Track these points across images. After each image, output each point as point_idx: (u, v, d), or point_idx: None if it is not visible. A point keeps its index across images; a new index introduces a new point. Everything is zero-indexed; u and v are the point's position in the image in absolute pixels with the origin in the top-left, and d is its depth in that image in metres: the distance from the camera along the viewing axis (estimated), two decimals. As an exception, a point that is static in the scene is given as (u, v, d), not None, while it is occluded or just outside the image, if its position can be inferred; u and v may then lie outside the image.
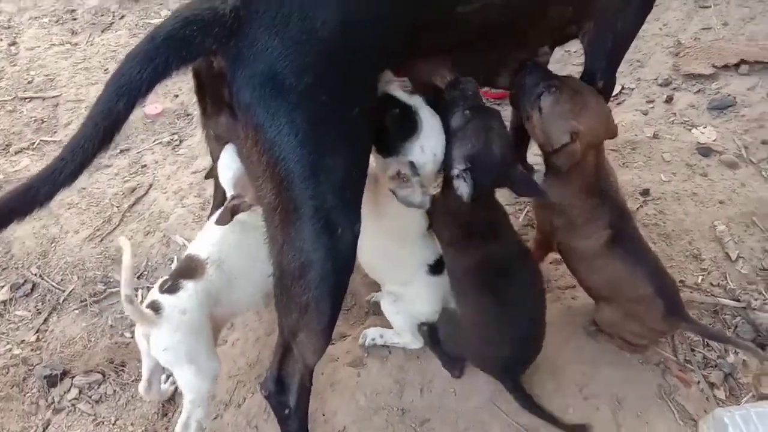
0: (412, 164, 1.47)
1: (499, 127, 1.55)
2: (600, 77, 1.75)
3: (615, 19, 1.69)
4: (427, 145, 1.51)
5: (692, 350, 1.88)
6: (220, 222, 1.61)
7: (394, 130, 1.50)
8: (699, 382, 1.80)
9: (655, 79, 2.85)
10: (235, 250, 1.66)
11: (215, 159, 1.71)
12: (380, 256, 1.75)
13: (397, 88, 1.51)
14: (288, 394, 1.49)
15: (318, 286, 1.31)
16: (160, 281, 1.63)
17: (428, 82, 1.64)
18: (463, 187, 1.49)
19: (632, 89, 2.84)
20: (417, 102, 1.52)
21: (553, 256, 2.06)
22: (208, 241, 1.69)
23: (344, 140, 1.27)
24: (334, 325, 1.42)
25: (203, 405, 1.59)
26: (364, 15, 1.25)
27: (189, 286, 1.58)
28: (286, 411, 1.50)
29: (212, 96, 1.42)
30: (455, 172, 1.51)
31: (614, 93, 2.83)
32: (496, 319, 1.64)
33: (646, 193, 2.32)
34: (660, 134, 2.57)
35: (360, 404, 1.76)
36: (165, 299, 1.56)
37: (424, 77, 1.63)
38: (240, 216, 1.61)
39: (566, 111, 1.60)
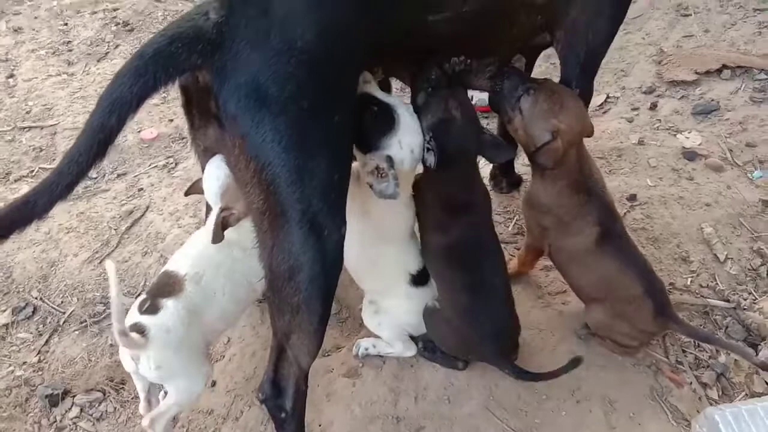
0: (389, 158, 1.54)
1: (460, 97, 1.64)
2: (576, 85, 1.81)
3: (586, 30, 1.75)
4: (405, 140, 1.57)
5: (683, 351, 1.90)
6: (215, 240, 1.63)
7: (373, 126, 1.56)
8: (691, 382, 1.82)
9: (639, 87, 2.91)
10: (213, 265, 1.68)
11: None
12: (363, 259, 1.77)
13: (375, 87, 1.58)
14: (284, 397, 1.51)
15: (308, 287, 1.36)
16: (138, 301, 1.63)
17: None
18: (429, 157, 1.57)
19: (617, 98, 2.90)
20: (394, 101, 1.59)
21: (544, 262, 2.10)
22: (186, 257, 1.72)
23: (326, 145, 1.33)
24: (325, 326, 1.46)
25: (185, 405, 1.64)
26: (341, 25, 1.31)
27: (169, 305, 1.58)
28: (283, 414, 1.53)
29: (199, 109, 1.47)
30: (425, 145, 1.59)
31: (599, 102, 2.90)
32: (471, 297, 1.69)
33: (633, 198, 2.36)
34: (645, 140, 2.61)
35: (355, 414, 1.79)
36: (148, 320, 1.55)
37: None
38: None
39: (545, 110, 1.66)
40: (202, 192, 1.75)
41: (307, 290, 1.36)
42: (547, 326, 1.96)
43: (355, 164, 1.72)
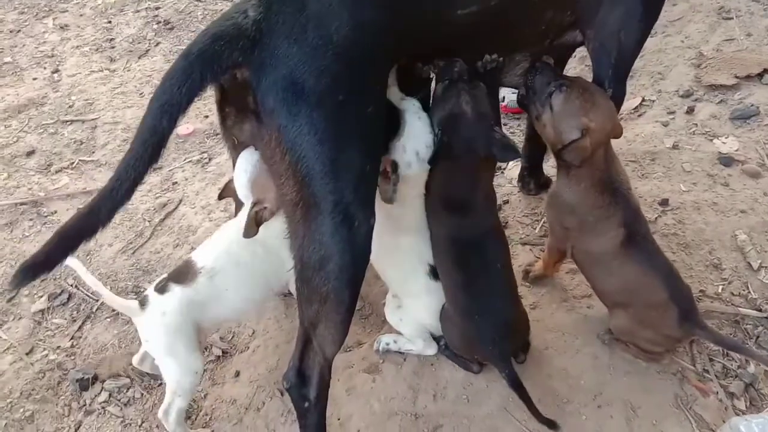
0: (394, 163, 1.58)
1: (475, 91, 1.63)
2: (608, 85, 1.79)
3: (618, 30, 1.73)
4: (409, 145, 1.62)
5: (711, 360, 1.86)
6: (247, 235, 1.66)
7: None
8: (717, 392, 1.78)
9: (677, 90, 2.85)
10: (232, 263, 1.73)
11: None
12: (381, 248, 1.75)
13: (393, 91, 1.62)
14: (309, 386, 1.54)
15: (338, 277, 1.38)
16: (159, 278, 1.74)
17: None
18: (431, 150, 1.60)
19: (653, 101, 2.85)
20: (407, 105, 1.63)
21: (569, 266, 2.08)
22: (210, 249, 1.77)
23: (360, 137, 1.36)
24: (351, 317, 1.48)
25: (184, 396, 1.69)
26: (374, 20, 1.35)
27: (175, 290, 1.67)
28: (306, 404, 1.55)
29: (236, 105, 1.50)
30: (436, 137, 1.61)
31: (634, 105, 2.85)
32: (468, 297, 1.69)
33: (665, 203, 2.31)
34: (680, 145, 2.56)
35: (374, 409, 1.80)
36: (153, 296, 1.67)
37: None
38: None
39: (576, 108, 1.65)
40: (235, 195, 1.78)
41: (336, 280, 1.39)
42: (570, 329, 1.94)
43: None
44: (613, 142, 2.56)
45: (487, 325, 1.70)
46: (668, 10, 3.41)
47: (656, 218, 2.26)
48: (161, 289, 1.68)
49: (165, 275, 1.75)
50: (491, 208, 1.78)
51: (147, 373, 1.96)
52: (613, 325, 1.83)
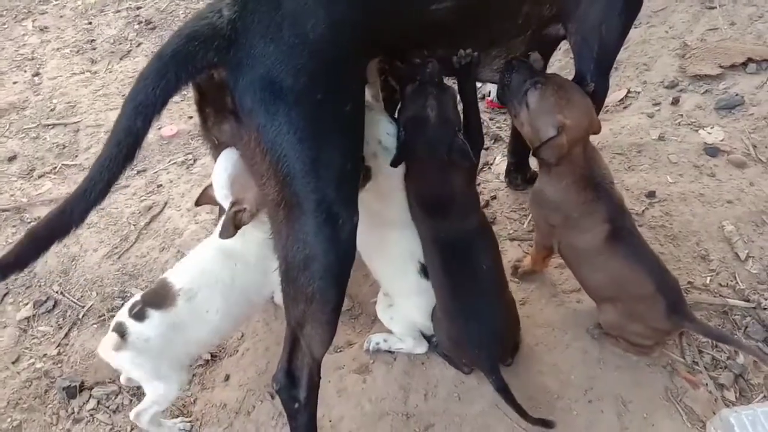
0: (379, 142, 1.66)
1: (441, 95, 1.63)
2: (590, 80, 1.77)
3: (599, 24, 1.72)
4: (369, 135, 1.60)
5: (700, 352, 1.87)
6: (224, 235, 1.64)
7: None
8: (707, 383, 1.78)
9: (662, 81, 2.85)
10: (210, 282, 1.69)
11: None
12: (368, 242, 1.77)
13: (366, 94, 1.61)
14: (298, 387, 1.53)
15: (323, 276, 1.38)
16: (131, 302, 1.68)
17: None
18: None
19: (638, 93, 2.84)
20: (375, 106, 1.70)
21: (558, 260, 2.07)
22: (186, 269, 1.73)
23: (340, 135, 1.36)
24: (338, 316, 1.48)
25: (163, 405, 1.69)
26: (350, 17, 1.34)
27: (155, 316, 1.62)
28: (296, 405, 1.54)
29: (214, 106, 1.49)
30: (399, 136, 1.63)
31: (620, 97, 2.85)
32: (455, 299, 1.69)
33: (652, 195, 2.31)
34: (666, 136, 2.56)
35: (365, 410, 1.79)
36: (131, 325, 1.61)
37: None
38: (226, 243, 1.65)
39: (551, 105, 1.65)
40: (213, 201, 1.75)
41: (321, 279, 1.38)
42: (560, 325, 1.94)
43: None
44: (599, 135, 2.58)
45: (474, 329, 1.69)
46: (650, 0, 3.41)
47: (643, 210, 2.26)
48: (138, 315, 1.62)
49: (138, 298, 1.68)
50: (472, 209, 1.76)
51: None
52: (602, 320, 1.83)
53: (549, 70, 2.09)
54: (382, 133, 1.68)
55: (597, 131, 1.73)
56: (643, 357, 1.83)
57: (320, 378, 1.56)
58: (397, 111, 1.75)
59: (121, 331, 1.61)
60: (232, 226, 1.64)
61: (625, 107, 2.80)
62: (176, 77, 1.27)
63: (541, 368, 1.83)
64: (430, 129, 1.63)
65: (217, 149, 1.73)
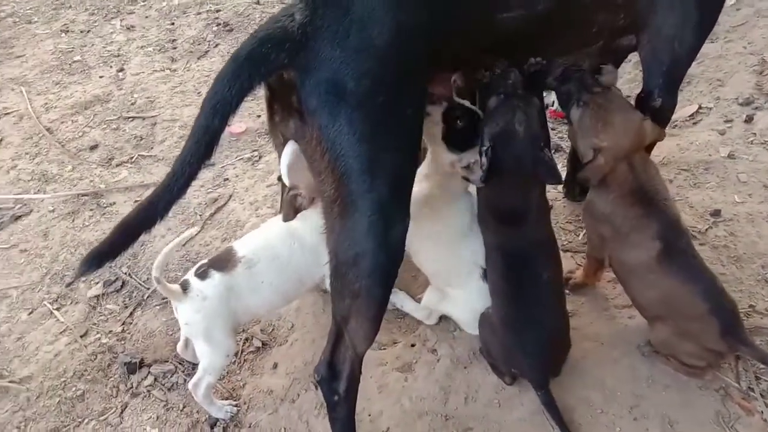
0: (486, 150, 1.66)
1: (528, 109, 1.63)
2: (657, 95, 1.75)
3: (672, 37, 1.69)
4: None
5: (757, 378, 1.79)
6: (285, 218, 1.75)
7: (468, 128, 1.68)
8: (762, 411, 1.71)
9: (736, 98, 2.75)
10: (269, 255, 1.80)
11: None
12: (439, 260, 1.88)
13: (456, 98, 1.70)
14: (339, 380, 1.57)
15: (370, 274, 1.42)
16: (199, 264, 1.82)
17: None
18: (484, 164, 1.61)
19: (710, 109, 2.75)
20: (470, 105, 1.71)
21: (612, 275, 2.04)
22: (252, 240, 1.85)
23: (398, 139, 1.40)
24: (383, 313, 1.52)
25: (214, 373, 1.79)
26: (415, 24, 1.37)
27: (216, 277, 1.76)
28: (336, 397, 1.59)
29: (282, 104, 1.55)
30: (482, 149, 1.62)
31: (690, 112, 2.76)
32: (513, 308, 1.70)
33: (717, 213, 2.24)
34: (737, 154, 2.47)
35: (405, 408, 1.82)
36: (194, 282, 1.76)
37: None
38: (291, 222, 1.74)
39: (588, 127, 1.65)
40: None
41: (369, 277, 1.42)
42: (609, 339, 1.90)
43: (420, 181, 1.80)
44: (666, 150, 2.52)
45: (530, 339, 1.70)
46: (731, 14, 3.29)
47: (707, 229, 2.19)
48: (202, 274, 1.77)
49: (205, 261, 1.83)
50: (543, 219, 1.77)
51: (187, 360, 2.04)
52: (653, 338, 1.79)
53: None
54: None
55: (655, 141, 1.69)
56: (695, 379, 1.77)
57: (361, 373, 1.60)
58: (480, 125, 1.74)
59: (184, 287, 1.75)
60: (291, 208, 1.72)
61: (695, 123, 2.72)
62: (250, 78, 1.33)
63: (586, 381, 1.80)
64: (518, 144, 1.62)
65: (282, 145, 1.81)
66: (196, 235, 2.56)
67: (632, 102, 1.80)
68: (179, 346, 1.94)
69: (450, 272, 1.90)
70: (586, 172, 1.70)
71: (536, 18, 1.56)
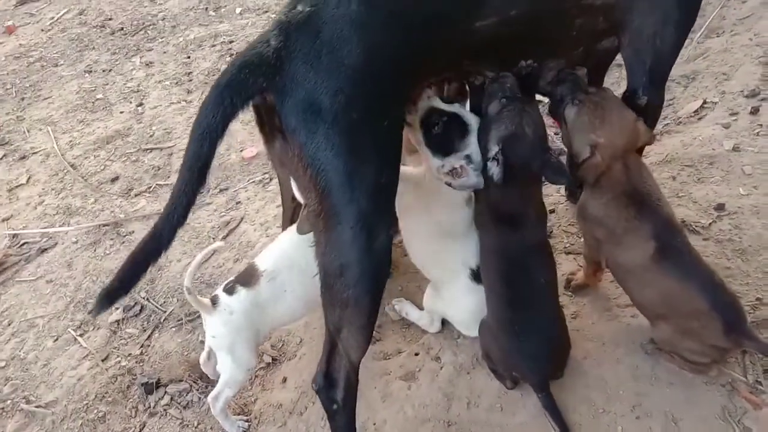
0: (468, 157, 1.69)
1: (534, 112, 1.65)
2: (642, 93, 1.75)
3: (653, 36, 1.69)
4: (475, 141, 1.71)
5: (765, 371, 1.76)
6: (301, 231, 1.80)
7: (448, 133, 1.71)
8: (771, 404, 1.68)
9: (741, 90, 2.71)
10: (287, 265, 1.88)
11: (280, 181, 2.01)
12: (427, 251, 1.93)
13: (437, 100, 1.73)
14: (336, 389, 1.62)
15: (357, 284, 1.47)
16: (227, 281, 1.92)
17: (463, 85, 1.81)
18: (495, 169, 1.61)
19: (715, 103, 2.72)
20: (458, 109, 1.74)
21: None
22: (269, 254, 1.94)
23: (375, 151, 1.44)
24: (373, 323, 1.56)
25: (233, 387, 1.87)
26: (384, 42, 1.43)
27: (242, 292, 1.85)
28: (335, 406, 1.63)
29: (269, 125, 1.60)
30: (490, 154, 1.63)
31: (695, 108, 2.74)
32: (511, 312, 1.71)
33: (720, 207, 2.21)
34: (742, 147, 2.43)
35: (408, 415, 1.84)
36: (222, 297, 1.86)
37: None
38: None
39: (586, 124, 1.65)
40: None
41: (356, 287, 1.47)
42: (611, 339, 1.89)
43: (417, 170, 1.84)
44: (669, 147, 2.50)
45: (529, 342, 1.71)
46: (737, 7, 3.27)
47: (710, 224, 2.16)
48: (229, 290, 1.87)
49: (232, 278, 1.93)
50: (542, 222, 1.79)
51: (202, 378, 2.11)
52: (656, 336, 1.78)
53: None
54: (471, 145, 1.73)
55: (645, 144, 1.70)
56: (700, 375, 1.75)
57: (358, 381, 1.64)
58: (481, 129, 1.75)
59: (214, 301, 1.86)
60: (308, 223, 1.78)
61: (699, 118, 2.69)
62: (232, 103, 1.40)
63: (588, 382, 1.80)
64: (528, 146, 1.64)
65: (280, 165, 1.88)
66: (218, 249, 2.64)
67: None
68: (202, 358, 2.01)
69: (436, 267, 1.94)
70: (582, 171, 1.70)
71: (512, 24, 1.59)
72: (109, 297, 1.49)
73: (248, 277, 1.90)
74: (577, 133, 1.68)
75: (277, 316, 1.91)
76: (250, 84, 1.40)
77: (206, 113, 1.41)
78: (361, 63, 1.39)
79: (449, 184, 1.72)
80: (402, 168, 1.76)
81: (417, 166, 1.92)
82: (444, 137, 1.72)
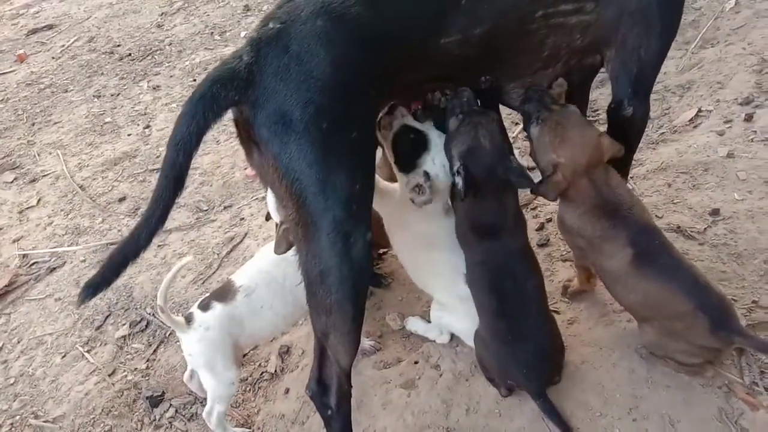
0: (426, 173, 1.75)
1: (489, 124, 1.69)
2: (628, 104, 1.76)
3: (638, 47, 1.71)
4: (437, 158, 1.78)
5: (762, 372, 1.77)
6: (278, 251, 1.82)
7: (411, 150, 1.78)
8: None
9: (735, 98, 2.74)
10: (265, 281, 1.91)
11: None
12: (418, 265, 1.97)
13: (410, 118, 1.78)
14: (329, 395, 1.65)
15: (338, 289, 1.50)
16: (202, 298, 1.92)
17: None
18: (460, 183, 1.65)
19: (710, 111, 2.76)
20: (427, 127, 1.79)
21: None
22: (247, 270, 1.96)
23: (346, 159, 1.48)
24: (359, 328, 1.58)
25: (222, 402, 1.87)
26: (350, 55, 1.47)
27: (217, 308, 1.87)
28: (329, 412, 1.66)
29: (246, 138, 1.63)
30: (454, 169, 1.68)
31: (690, 117, 2.77)
32: (500, 322, 1.73)
33: (715, 212, 2.23)
34: (736, 153, 2.46)
35: (408, 422, 1.86)
36: (197, 314, 1.87)
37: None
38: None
39: (546, 143, 1.69)
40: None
41: (338, 293, 1.50)
42: (608, 344, 1.91)
43: (394, 185, 1.89)
44: (665, 155, 2.53)
45: (522, 350, 1.73)
46: (730, 18, 3.31)
47: (705, 229, 2.18)
48: (204, 306, 1.88)
49: (207, 294, 1.95)
50: (521, 228, 1.82)
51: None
52: (644, 340, 1.79)
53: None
54: (428, 162, 1.79)
55: (614, 156, 1.72)
56: (697, 377, 1.76)
57: (351, 386, 1.66)
58: (444, 145, 1.79)
59: (189, 318, 1.87)
60: (284, 242, 1.82)
61: (695, 126, 2.72)
62: (204, 116, 1.44)
63: (585, 386, 1.81)
64: (488, 156, 1.69)
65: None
66: (214, 272, 2.70)
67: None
68: (185, 376, 2.03)
69: (430, 278, 1.98)
70: (543, 187, 1.73)
71: (477, 42, 1.61)
72: (92, 289, 1.53)
73: (224, 293, 1.92)
74: (540, 152, 1.72)
75: (255, 331, 1.93)
76: (222, 97, 1.44)
77: (180, 125, 1.46)
78: (328, 75, 1.43)
79: (412, 201, 1.77)
80: (379, 181, 1.82)
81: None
82: (408, 154, 1.79)
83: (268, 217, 2.12)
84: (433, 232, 1.88)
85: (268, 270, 1.92)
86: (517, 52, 1.71)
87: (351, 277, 1.49)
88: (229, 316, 1.86)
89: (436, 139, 1.78)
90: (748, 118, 2.61)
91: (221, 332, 1.84)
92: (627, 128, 1.78)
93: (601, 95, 2.98)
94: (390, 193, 1.91)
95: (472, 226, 1.77)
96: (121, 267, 1.54)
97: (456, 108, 1.72)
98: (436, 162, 1.77)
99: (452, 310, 1.97)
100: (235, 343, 1.89)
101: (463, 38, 1.59)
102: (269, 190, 1.85)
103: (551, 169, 1.68)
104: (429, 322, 2.11)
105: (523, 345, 1.73)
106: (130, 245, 1.53)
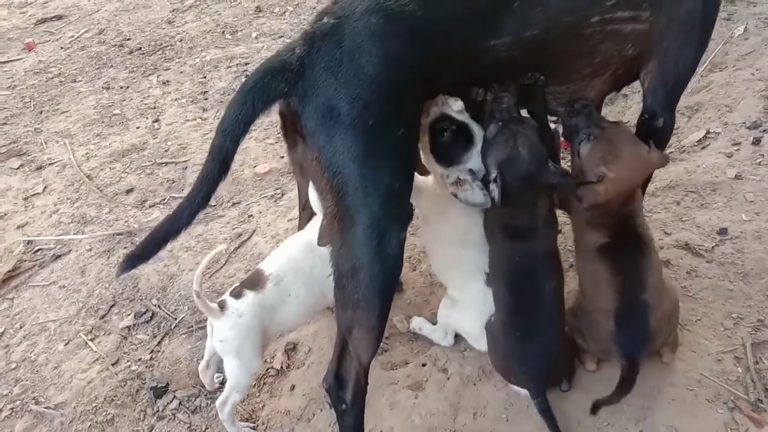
0: (471, 171, 1.74)
1: (528, 133, 1.69)
2: (660, 115, 1.79)
3: (677, 57, 1.74)
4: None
5: (766, 390, 1.80)
6: (320, 243, 1.81)
7: (453, 143, 1.77)
8: (773, 422, 1.71)
9: (744, 122, 2.80)
10: (294, 270, 1.94)
11: (299, 190, 2.10)
12: (446, 259, 1.99)
13: (450, 108, 1.77)
14: (345, 389, 1.66)
15: (368, 285, 1.52)
16: (234, 285, 1.96)
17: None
18: (494, 191, 1.66)
19: (718, 133, 2.80)
20: (468, 119, 1.78)
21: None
22: (276, 258, 1.99)
23: (390, 157, 1.51)
24: (383, 325, 1.60)
25: (240, 391, 1.89)
26: (402, 53, 1.51)
27: (249, 296, 1.89)
28: (343, 406, 1.67)
29: (291, 130, 1.68)
30: (491, 177, 1.69)
31: (698, 138, 2.81)
32: (516, 319, 1.76)
33: (723, 232, 2.27)
34: (744, 175, 2.51)
35: (415, 424, 1.87)
36: (230, 301, 1.89)
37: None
38: (312, 237, 1.86)
39: (598, 159, 1.71)
40: None
41: (367, 288, 1.52)
42: (616, 354, 1.93)
43: (428, 178, 1.90)
44: (673, 173, 2.57)
45: (527, 347, 1.75)
46: (739, 44, 3.37)
47: (713, 247, 2.22)
48: (237, 294, 1.91)
49: (238, 284, 1.98)
50: (551, 231, 1.83)
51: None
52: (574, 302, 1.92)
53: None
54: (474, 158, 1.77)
55: (659, 167, 1.79)
56: (703, 391, 1.79)
57: (367, 383, 1.67)
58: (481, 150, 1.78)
59: (222, 305, 1.90)
60: (326, 235, 1.83)
61: (703, 147, 2.77)
62: (254, 105, 1.50)
63: (593, 396, 1.82)
64: (526, 166, 1.68)
65: (300, 172, 1.95)
66: (221, 267, 2.71)
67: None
68: (201, 366, 2.04)
69: (453, 272, 2.00)
70: (584, 192, 1.72)
71: (526, 45, 1.62)
72: (131, 261, 1.61)
73: (255, 281, 1.95)
74: (588, 167, 1.72)
75: (283, 319, 1.95)
76: (272, 88, 1.49)
77: (230, 113, 1.51)
78: (379, 72, 1.47)
79: (455, 195, 1.75)
80: (417, 177, 1.82)
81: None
82: (449, 146, 1.77)
83: (304, 207, 2.14)
84: (468, 227, 1.89)
85: (296, 259, 1.95)
86: (569, 56, 1.71)
87: (382, 273, 1.51)
88: (260, 304, 1.89)
89: (479, 136, 1.76)
90: (756, 141, 2.66)
91: (253, 319, 1.87)
92: (656, 140, 1.79)
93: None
94: (427, 187, 1.90)
95: (501, 226, 1.78)
96: (162, 242, 1.60)
97: (496, 114, 1.71)
98: (477, 160, 1.75)
99: (462, 309, 1.99)
100: (265, 331, 1.91)
101: (513, 40, 1.60)
102: (310, 183, 1.87)
103: (596, 179, 1.69)
104: (434, 324, 2.12)
105: (528, 343, 1.75)
106: (171, 223, 1.59)
